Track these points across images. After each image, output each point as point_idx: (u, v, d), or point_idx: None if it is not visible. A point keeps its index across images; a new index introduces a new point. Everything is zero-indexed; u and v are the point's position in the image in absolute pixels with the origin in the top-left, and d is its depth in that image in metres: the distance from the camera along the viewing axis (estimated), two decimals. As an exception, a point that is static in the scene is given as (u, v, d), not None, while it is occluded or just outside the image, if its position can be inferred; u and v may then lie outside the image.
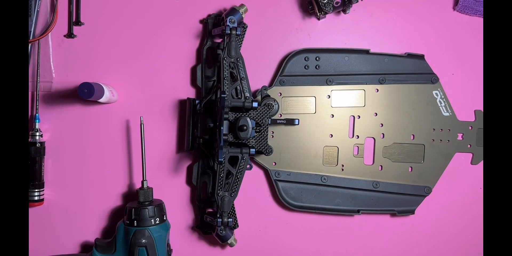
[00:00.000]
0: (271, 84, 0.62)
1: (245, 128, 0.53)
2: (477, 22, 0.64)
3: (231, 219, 0.54)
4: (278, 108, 0.60)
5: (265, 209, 0.63)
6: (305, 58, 0.61)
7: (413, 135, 0.62)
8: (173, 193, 0.62)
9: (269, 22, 0.62)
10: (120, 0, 0.62)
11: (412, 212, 0.62)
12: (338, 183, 0.61)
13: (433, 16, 0.63)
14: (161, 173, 0.62)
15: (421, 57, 0.62)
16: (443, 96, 0.62)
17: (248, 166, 0.55)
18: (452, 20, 0.63)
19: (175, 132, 0.62)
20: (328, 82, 0.61)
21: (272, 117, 0.58)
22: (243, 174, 0.55)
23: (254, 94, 0.61)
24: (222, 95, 0.52)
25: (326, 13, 0.59)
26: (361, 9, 0.63)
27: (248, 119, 0.54)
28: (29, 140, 0.59)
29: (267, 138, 0.56)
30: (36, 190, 0.59)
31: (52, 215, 0.62)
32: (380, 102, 0.62)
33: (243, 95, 0.56)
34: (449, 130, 0.62)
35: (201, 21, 0.62)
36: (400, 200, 0.62)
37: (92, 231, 0.62)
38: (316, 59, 0.61)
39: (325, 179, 0.61)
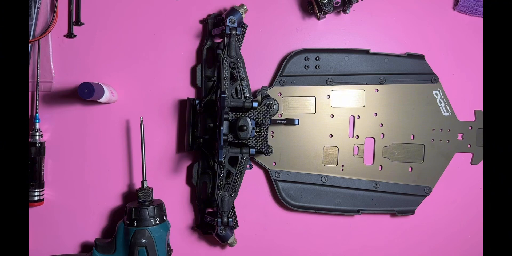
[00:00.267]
0: (271, 84, 0.62)
1: (245, 128, 0.53)
2: (477, 22, 0.64)
3: (231, 219, 0.54)
4: (278, 108, 0.60)
5: (265, 209, 0.63)
6: (305, 58, 0.61)
7: (413, 135, 0.62)
8: (173, 193, 0.62)
9: (269, 22, 0.62)
10: (120, 0, 0.62)
11: (412, 212, 0.62)
12: (338, 183, 0.61)
13: (433, 16, 0.63)
14: (161, 173, 0.62)
15: (421, 57, 0.62)
16: (443, 96, 0.62)
17: (248, 166, 0.55)
18: (452, 20, 0.64)
19: (175, 132, 0.62)
20: (328, 82, 0.61)
21: (272, 117, 0.58)
22: (243, 174, 0.55)
23: (254, 94, 0.61)
24: (222, 95, 0.52)
25: (326, 13, 0.59)
26: (361, 9, 0.63)
27: (248, 119, 0.54)
28: (29, 140, 0.59)
29: (267, 138, 0.56)
30: (36, 190, 0.59)
31: (52, 215, 0.62)
32: (380, 102, 0.62)
33: (243, 95, 0.56)
34: (449, 130, 0.62)
35: (201, 21, 0.62)
36: (400, 200, 0.62)
37: (92, 231, 0.62)
38: (316, 59, 0.61)
39: (325, 179, 0.61)
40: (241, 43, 0.60)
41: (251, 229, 0.63)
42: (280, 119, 0.59)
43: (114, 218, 0.62)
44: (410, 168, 0.62)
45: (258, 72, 0.62)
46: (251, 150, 0.55)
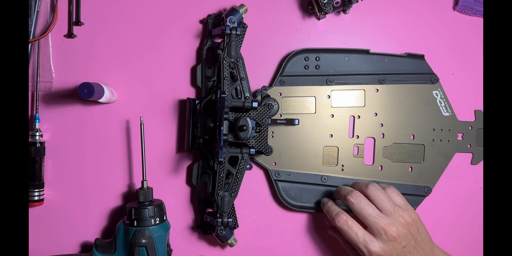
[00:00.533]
0: (271, 84, 0.62)
1: (245, 128, 0.53)
2: (477, 22, 0.64)
3: (231, 219, 0.54)
4: (278, 108, 0.60)
5: (265, 209, 0.63)
6: (305, 58, 0.61)
7: (413, 135, 0.62)
8: (173, 193, 0.62)
9: (269, 22, 0.62)
10: (121, 0, 0.62)
11: (412, 212, 0.62)
12: (338, 183, 0.61)
13: (433, 16, 0.63)
14: (161, 173, 0.62)
15: (421, 57, 0.62)
16: (443, 96, 0.62)
17: (248, 166, 0.55)
18: (452, 20, 0.64)
19: (175, 132, 0.62)
20: (328, 82, 0.61)
21: (272, 118, 0.58)
22: (243, 174, 0.55)
23: (254, 94, 0.61)
24: (222, 96, 0.52)
25: (326, 13, 0.59)
26: (361, 9, 0.63)
27: (248, 119, 0.54)
28: (29, 140, 0.59)
29: (267, 138, 0.56)
30: (36, 190, 0.59)
31: (52, 215, 0.62)
32: (380, 102, 0.62)
33: (243, 95, 0.56)
34: (449, 130, 0.62)
35: (201, 21, 0.62)
36: (400, 200, 0.62)
37: (92, 231, 0.62)
38: (316, 59, 0.61)
39: (325, 179, 0.61)
40: (241, 43, 0.60)
41: (251, 229, 0.63)
42: (280, 120, 0.59)
43: (114, 218, 0.62)
44: (410, 168, 0.62)
45: (258, 72, 0.62)
46: (251, 150, 0.55)
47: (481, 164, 0.63)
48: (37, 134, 0.59)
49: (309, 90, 0.61)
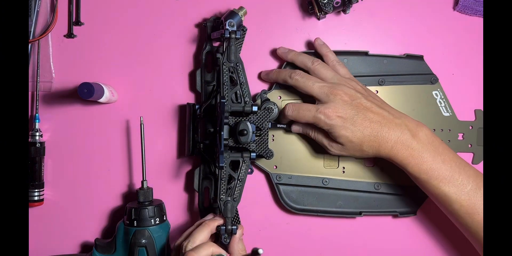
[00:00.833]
0: (270, 87, 0.62)
1: (245, 132, 0.53)
2: (477, 22, 0.63)
3: (236, 227, 0.52)
4: (278, 112, 0.60)
5: (267, 213, 0.62)
6: (305, 59, 0.61)
7: (413, 135, 0.62)
8: (174, 198, 0.62)
9: (269, 22, 0.62)
10: (121, 0, 0.62)
11: (414, 213, 0.62)
12: (339, 185, 0.61)
13: (433, 16, 0.63)
14: (162, 178, 0.62)
15: (420, 58, 0.62)
16: (443, 97, 0.62)
17: (249, 170, 0.55)
18: (452, 20, 0.63)
19: (175, 137, 0.62)
20: (328, 83, 0.61)
21: (272, 122, 0.58)
22: (245, 178, 0.54)
23: (254, 98, 0.60)
24: (222, 101, 0.51)
25: (326, 13, 0.59)
26: (361, 9, 0.63)
27: (248, 123, 0.54)
28: (29, 140, 0.59)
29: (267, 141, 0.56)
30: (36, 190, 0.59)
31: (52, 215, 0.62)
32: (380, 103, 0.62)
33: (243, 99, 0.55)
34: (449, 130, 0.62)
35: (200, 25, 0.62)
36: (402, 201, 0.62)
37: (92, 231, 0.62)
38: (316, 60, 0.61)
39: (326, 181, 0.61)
40: (241, 46, 0.60)
41: (251, 231, 0.62)
42: (281, 124, 0.58)
43: (114, 218, 0.62)
44: (410, 168, 0.62)
45: (257, 75, 0.62)
46: (252, 154, 0.54)
47: (482, 163, 0.63)
48: (37, 134, 0.59)
49: (309, 91, 0.61)
